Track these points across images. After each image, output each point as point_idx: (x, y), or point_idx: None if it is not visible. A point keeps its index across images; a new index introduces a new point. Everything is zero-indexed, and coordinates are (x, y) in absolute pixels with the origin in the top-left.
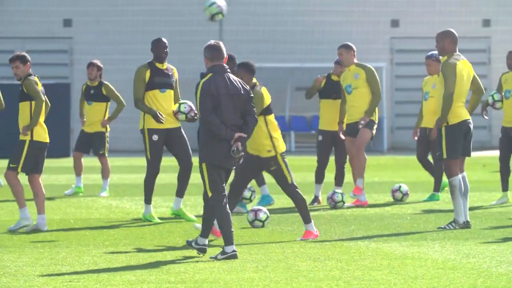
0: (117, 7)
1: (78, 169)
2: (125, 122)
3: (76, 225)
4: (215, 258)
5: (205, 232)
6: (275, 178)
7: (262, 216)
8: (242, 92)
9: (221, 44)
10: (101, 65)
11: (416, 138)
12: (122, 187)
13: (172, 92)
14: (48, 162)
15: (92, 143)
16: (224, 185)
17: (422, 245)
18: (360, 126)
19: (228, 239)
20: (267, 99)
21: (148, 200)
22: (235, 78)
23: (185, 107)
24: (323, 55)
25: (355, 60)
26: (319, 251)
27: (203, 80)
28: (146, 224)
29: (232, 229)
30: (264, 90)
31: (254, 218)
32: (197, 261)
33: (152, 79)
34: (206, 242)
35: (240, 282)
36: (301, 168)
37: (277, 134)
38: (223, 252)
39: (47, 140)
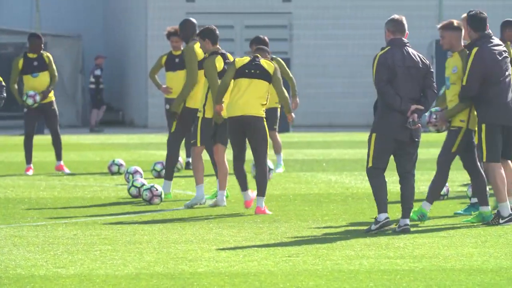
0: None
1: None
2: None
3: (295, 200)
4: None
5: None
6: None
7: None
8: (421, 65)
9: (404, 19)
10: None
11: None
12: (341, 162)
13: None
14: None
15: None
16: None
17: None
18: None
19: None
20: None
21: None
22: (415, 52)
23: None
24: None
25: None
26: None
27: (380, 53)
28: (365, 198)
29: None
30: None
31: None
32: (415, 237)
33: None
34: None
35: (459, 257)
36: None
37: None
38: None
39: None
